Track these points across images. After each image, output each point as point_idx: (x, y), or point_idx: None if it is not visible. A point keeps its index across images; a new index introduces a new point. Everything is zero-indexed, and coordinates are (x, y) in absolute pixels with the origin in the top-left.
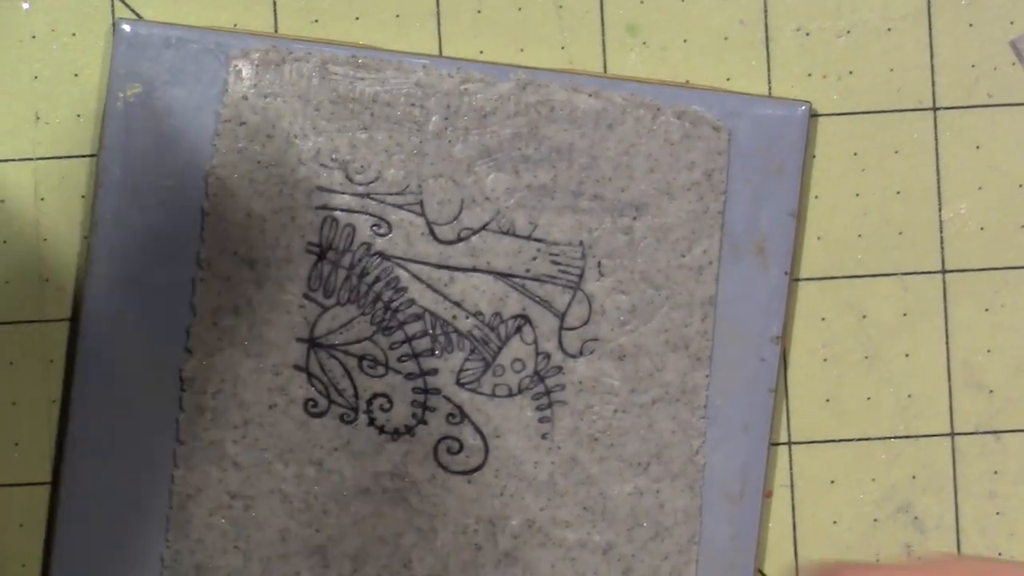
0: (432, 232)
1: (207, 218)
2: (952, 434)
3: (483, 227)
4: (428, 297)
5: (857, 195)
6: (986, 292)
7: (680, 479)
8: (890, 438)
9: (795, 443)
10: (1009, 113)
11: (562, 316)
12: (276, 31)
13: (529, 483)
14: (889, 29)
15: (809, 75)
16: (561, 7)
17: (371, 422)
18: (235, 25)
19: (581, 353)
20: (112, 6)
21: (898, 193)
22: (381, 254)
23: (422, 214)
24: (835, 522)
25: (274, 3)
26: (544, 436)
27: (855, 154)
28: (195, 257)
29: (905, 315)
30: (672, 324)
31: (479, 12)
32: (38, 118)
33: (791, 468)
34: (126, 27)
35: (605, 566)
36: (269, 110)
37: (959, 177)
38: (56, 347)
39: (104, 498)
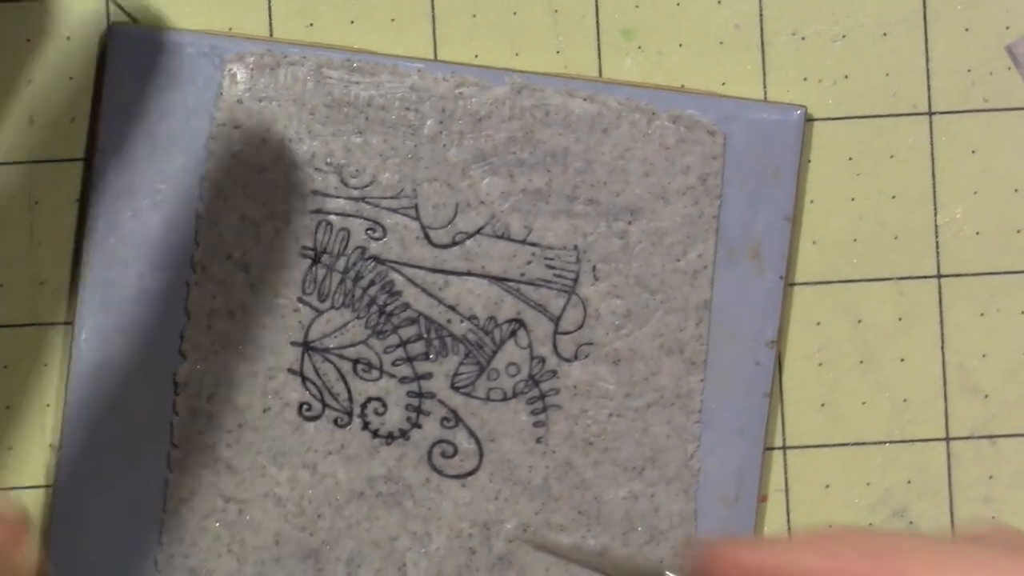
0: (427, 236)
1: (201, 222)
2: (947, 438)
3: (478, 231)
4: (423, 301)
5: (852, 199)
6: (982, 296)
7: (675, 483)
8: (885, 442)
9: (790, 447)
10: (1005, 118)
11: (557, 320)
12: (271, 35)
13: (524, 487)
14: (885, 33)
15: (805, 79)
16: (556, 11)
17: (365, 426)
18: (230, 29)
19: (576, 357)
20: (107, 9)
21: (894, 197)
22: (376, 258)
23: (417, 218)
24: (830, 526)
25: (269, 7)
26: (539, 440)
27: (850, 158)
28: (189, 261)
29: (900, 319)
30: (667, 328)
31: (474, 16)
32: (32, 121)
33: (786, 472)
34: (121, 30)
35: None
36: (264, 114)
37: (955, 182)
38: (50, 351)
39: (98, 502)
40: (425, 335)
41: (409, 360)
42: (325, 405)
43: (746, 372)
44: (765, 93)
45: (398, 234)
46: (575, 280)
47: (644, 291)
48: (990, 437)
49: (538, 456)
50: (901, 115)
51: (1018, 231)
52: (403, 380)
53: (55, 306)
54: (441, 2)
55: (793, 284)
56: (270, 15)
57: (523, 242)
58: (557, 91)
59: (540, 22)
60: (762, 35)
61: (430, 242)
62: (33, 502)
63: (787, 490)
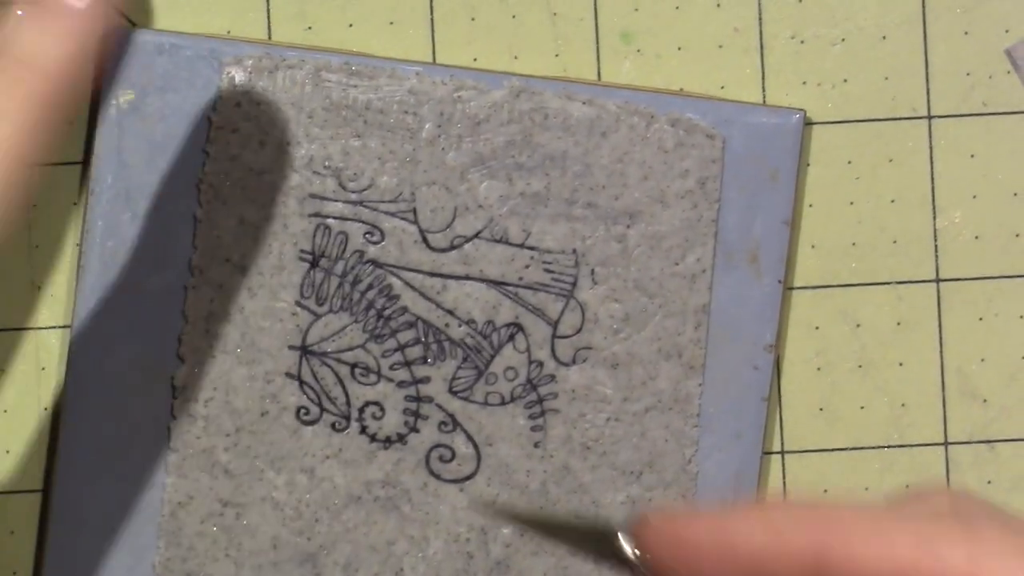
0: (425, 240)
1: (199, 225)
2: (946, 443)
3: (476, 235)
4: (421, 305)
5: (851, 203)
6: (980, 301)
7: (673, 487)
8: (883, 447)
9: (788, 452)
10: (1004, 122)
11: (555, 324)
12: (270, 38)
13: (521, 491)
14: (884, 37)
15: (804, 83)
16: (555, 15)
17: (363, 430)
18: (228, 32)
19: (574, 361)
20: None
21: (892, 202)
22: (374, 262)
23: (415, 222)
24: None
25: (268, 10)
26: (536, 444)
27: (849, 162)
28: (187, 264)
29: (899, 324)
30: (665, 332)
31: (473, 19)
32: None
33: (784, 477)
34: (119, 33)
35: (597, 574)
36: (262, 117)
37: (954, 186)
38: (47, 354)
39: (95, 506)
40: (423, 339)
41: (407, 364)
42: (323, 409)
43: (744, 376)
44: (764, 97)
45: (396, 238)
46: (573, 284)
47: (642, 295)
48: (988, 442)
49: (536, 460)
50: (900, 119)
51: (1017, 235)
52: (401, 384)
53: (53, 309)
54: (440, 5)
55: (792, 288)
56: (268, 18)
57: (521, 246)
58: (556, 94)
59: (539, 25)
60: (761, 39)
61: (428, 246)
62: (31, 506)
63: (785, 494)
